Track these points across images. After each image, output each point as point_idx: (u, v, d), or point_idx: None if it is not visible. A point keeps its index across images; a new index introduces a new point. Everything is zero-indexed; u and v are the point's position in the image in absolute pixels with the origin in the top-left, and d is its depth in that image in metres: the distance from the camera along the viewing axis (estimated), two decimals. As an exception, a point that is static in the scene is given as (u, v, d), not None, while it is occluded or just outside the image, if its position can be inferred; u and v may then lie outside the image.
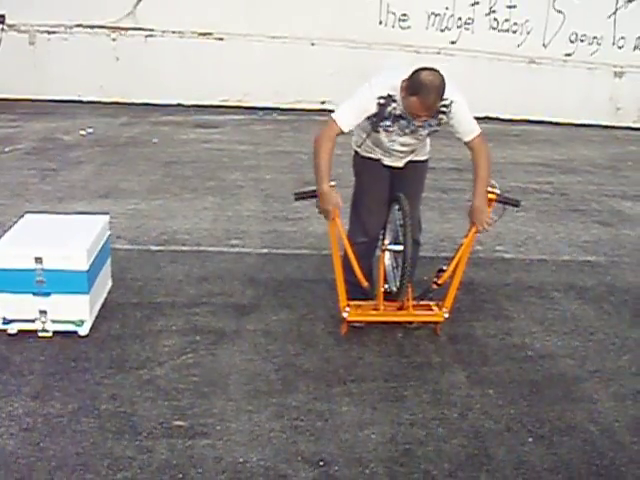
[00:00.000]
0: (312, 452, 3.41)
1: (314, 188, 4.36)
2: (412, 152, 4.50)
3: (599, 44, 12.80)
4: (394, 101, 4.15)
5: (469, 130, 4.31)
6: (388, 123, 4.25)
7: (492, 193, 4.43)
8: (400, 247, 4.36)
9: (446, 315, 4.54)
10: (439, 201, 7.33)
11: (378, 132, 4.32)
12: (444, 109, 4.17)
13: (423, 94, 3.96)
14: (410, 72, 4.04)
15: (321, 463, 3.34)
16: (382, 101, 4.15)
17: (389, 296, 4.56)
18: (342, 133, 4.24)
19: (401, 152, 4.45)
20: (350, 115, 4.21)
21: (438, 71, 4.03)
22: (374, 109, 4.17)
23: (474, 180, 4.40)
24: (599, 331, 4.78)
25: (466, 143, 4.36)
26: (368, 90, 4.18)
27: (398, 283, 4.42)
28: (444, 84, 4.00)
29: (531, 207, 7.49)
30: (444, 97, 4.07)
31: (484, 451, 3.48)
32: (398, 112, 4.18)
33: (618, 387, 4.12)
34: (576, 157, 10.29)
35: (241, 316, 4.72)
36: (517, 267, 5.82)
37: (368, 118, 4.24)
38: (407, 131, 4.29)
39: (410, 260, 4.26)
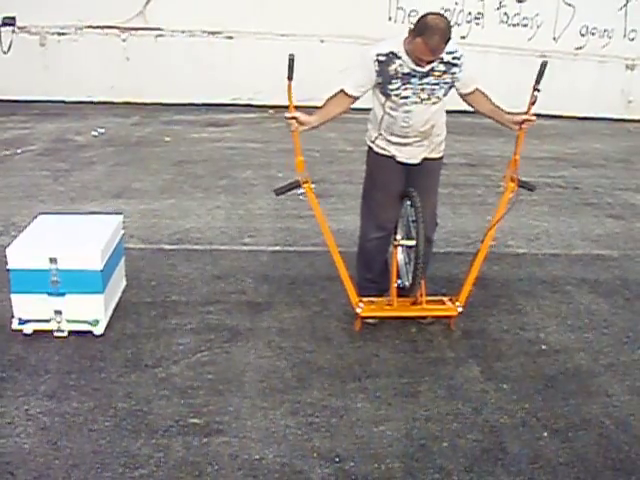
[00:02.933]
0: (327, 448, 3.42)
1: (292, 180, 4.48)
2: (429, 137, 4.42)
3: (610, 37, 12.76)
4: (398, 58, 4.13)
5: (471, 81, 4.32)
6: (398, 84, 4.19)
7: (512, 178, 4.49)
8: (412, 242, 4.36)
9: (460, 309, 4.54)
10: (451, 196, 7.32)
11: (392, 100, 4.25)
12: (456, 61, 4.18)
13: (428, 35, 3.94)
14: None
15: (337, 459, 3.34)
16: (382, 58, 4.14)
17: (402, 292, 4.56)
18: (350, 97, 4.28)
19: (418, 136, 4.37)
20: (353, 78, 4.27)
21: (444, 16, 4.05)
22: (375, 67, 4.16)
23: (495, 112, 4.44)
24: (613, 325, 4.77)
25: (468, 93, 4.37)
26: (366, 51, 4.21)
27: (411, 278, 4.43)
28: (449, 28, 4.00)
29: (544, 201, 7.48)
30: (453, 50, 4.11)
31: (499, 446, 3.49)
32: (406, 70, 4.14)
33: (633, 381, 4.11)
34: (588, 151, 10.26)
35: (255, 314, 4.73)
36: (530, 262, 5.81)
37: (378, 86, 4.24)
38: (422, 95, 4.23)
39: (423, 255, 4.26)
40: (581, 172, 8.90)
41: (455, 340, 4.50)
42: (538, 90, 4.35)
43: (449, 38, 4.00)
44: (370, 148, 4.58)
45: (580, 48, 12.72)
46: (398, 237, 4.60)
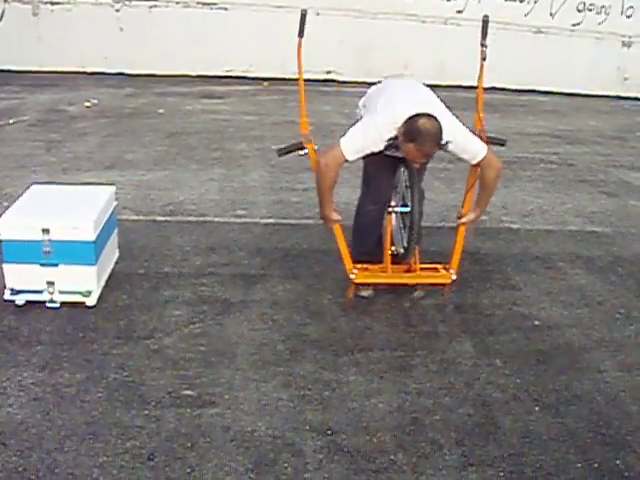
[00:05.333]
0: (319, 421, 3.43)
1: (295, 142, 4.47)
2: None
3: (607, 13, 12.68)
4: (396, 139, 4.17)
5: (472, 156, 4.32)
6: (392, 150, 4.26)
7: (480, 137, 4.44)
8: (407, 209, 4.37)
9: (454, 277, 4.54)
10: (445, 171, 7.30)
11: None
12: (444, 147, 4.18)
13: (420, 142, 3.98)
14: (406, 116, 4.03)
15: (328, 432, 3.36)
16: (390, 142, 4.17)
17: (396, 259, 4.57)
18: (346, 162, 4.25)
19: None
20: (357, 147, 4.21)
21: (435, 117, 4.01)
22: (381, 147, 4.21)
23: (478, 194, 4.47)
24: (605, 301, 4.79)
25: (475, 166, 4.41)
26: (378, 133, 4.15)
27: (405, 244, 4.43)
28: (441, 131, 4.00)
29: (538, 177, 7.48)
30: (443, 142, 4.09)
31: (491, 420, 3.50)
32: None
33: (624, 357, 4.13)
34: (583, 127, 10.24)
35: (248, 286, 4.73)
36: (523, 237, 5.81)
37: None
38: None
39: (417, 220, 4.26)
40: (576, 149, 8.89)
41: (448, 314, 4.51)
42: (485, 46, 4.57)
43: (440, 140, 4.03)
44: None
45: (577, 24, 12.65)
46: (392, 204, 4.59)
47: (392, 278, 4.57)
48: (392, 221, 4.65)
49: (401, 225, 4.65)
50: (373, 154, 4.32)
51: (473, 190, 4.55)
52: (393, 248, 4.63)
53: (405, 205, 4.46)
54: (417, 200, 4.30)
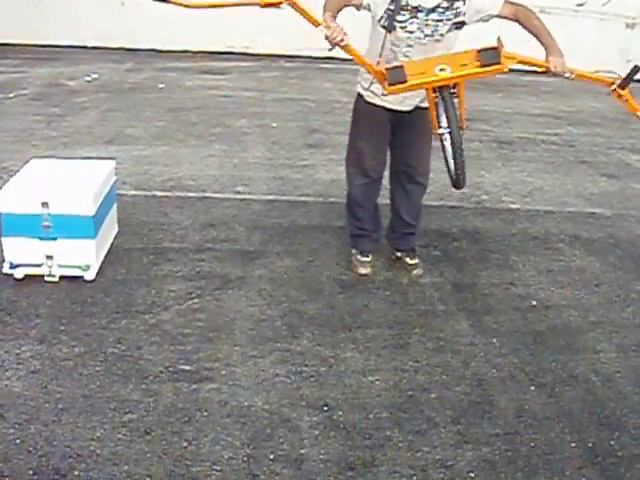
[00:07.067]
0: (316, 397, 3.44)
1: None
2: None
3: (611, -6, 12.62)
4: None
5: (492, 3, 4.07)
6: (406, 17, 4.03)
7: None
8: (448, 129, 4.10)
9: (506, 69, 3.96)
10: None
11: (395, 35, 4.06)
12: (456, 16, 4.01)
13: None
14: None
15: (325, 408, 3.37)
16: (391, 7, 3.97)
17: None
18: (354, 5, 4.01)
19: None
20: None
21: None
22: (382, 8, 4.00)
23: (536, 36, 4.17)
24: (603, 283, 4.79)
25: (499, 16, 4.11)
26: None
27: (456, 171, 4.23)
28: None
29: (538, 158, 7.46)
30: None
31: (487, 399, 3.52)
32: (415, 3, 3.98)
33: (621, 338, 4.14)
34: (585, 109, 10.20)
35: (246, 262, 4.74)
36: (523, 218, 5.81)
37: (384, 16, 4.04)
38: (426, 31, 4.06)
39: (459, 142, 4.07)
40: (577, 130, 8.86)
41: (446, 293, 4.52)
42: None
43: None
44: (360, 96, 4.47)
45: (581, 5, 12.57)
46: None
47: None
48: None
49: (448, 154, 4.33)
50: (367, 124, 4.25)
51: None
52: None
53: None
54: (454, 124, 4.01)
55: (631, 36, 12.84)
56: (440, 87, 3.92)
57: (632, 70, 4.11)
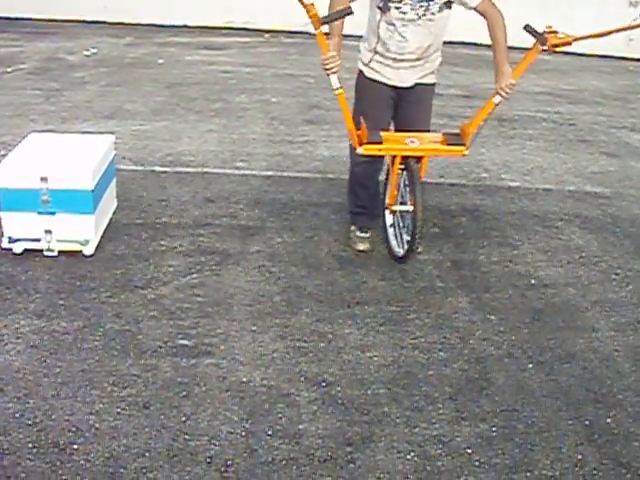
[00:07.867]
0: (315, 373, 3.45)
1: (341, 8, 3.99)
2: (425, 57, 4.31)
3: (614, -29, 12.54)
4: None
5: None
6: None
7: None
8: (409, 207, 4.27)
9: (466, 152, 4.31)
10: (446, 127, 7.22)
11: (390, 15, 4.12)
12: None
13: None
14: None
15: (323, 384, 3.38)
16: None
17: (399, 261, 4.52)
18: None
19: (414, 53, 4.25)
20: None
21: None
22: None
23: (492, 45, 4.29)
24: (602, 261, 4.79)
25: (475, 9, 4.19)
26: None
27: (406, 245, 4.38)
28: None
29: (538, 136, 7.44)
30: None
31: (484, 376, 3.52)
32: None
33: (619, 317, 4.14)
34: (586, 87, 10.17)
35: (246, 238, 4.73)
36: (523, 196, 5.80)
37: None
38: (419, 11, 4.09)
39: (420, 222, 4.15)
40: (577, 109, 8.83)
41: (445, 270, 4.52)
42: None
43: None
44: (361, 72, 4.47)
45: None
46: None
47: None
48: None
49: (400, 224, 4.51)
50: (368, 100, 4.27)
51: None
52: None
53: (404, 203, 4.35)
54: (419, 200, 4.14)
55: (634, 15, 12.75)
56: (407, 157, 4.27)
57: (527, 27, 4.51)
